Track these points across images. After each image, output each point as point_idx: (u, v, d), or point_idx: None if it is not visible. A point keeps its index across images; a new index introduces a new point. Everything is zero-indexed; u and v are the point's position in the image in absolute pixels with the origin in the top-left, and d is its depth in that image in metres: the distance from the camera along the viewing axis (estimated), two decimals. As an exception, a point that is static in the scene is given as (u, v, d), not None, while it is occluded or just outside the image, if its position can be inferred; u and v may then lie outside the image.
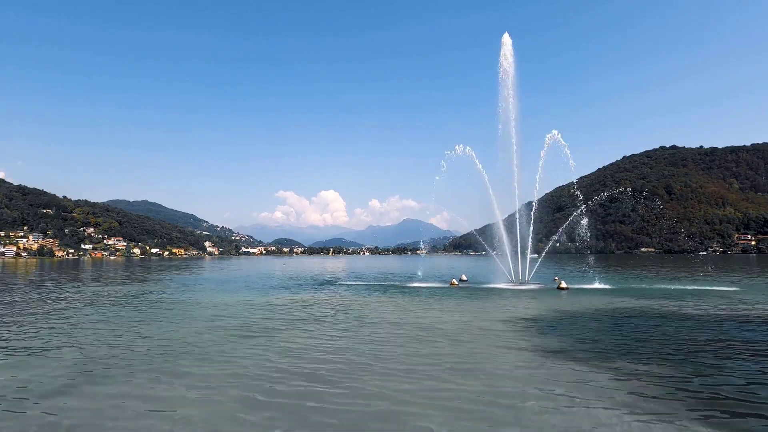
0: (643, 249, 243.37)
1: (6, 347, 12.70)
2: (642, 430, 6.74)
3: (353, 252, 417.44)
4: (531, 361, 10.89)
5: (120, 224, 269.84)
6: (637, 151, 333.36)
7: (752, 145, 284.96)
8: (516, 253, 34.75)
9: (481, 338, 13.84)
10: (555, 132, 34.20)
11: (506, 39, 35.96)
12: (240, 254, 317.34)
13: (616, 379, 9.25)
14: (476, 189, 36.12)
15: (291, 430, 6.93)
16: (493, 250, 36.75)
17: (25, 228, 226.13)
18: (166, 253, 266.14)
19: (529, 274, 34.24)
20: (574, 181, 36.51)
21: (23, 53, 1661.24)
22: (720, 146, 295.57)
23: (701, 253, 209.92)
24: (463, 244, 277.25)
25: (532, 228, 34.44)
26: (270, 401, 8.12)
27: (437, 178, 35.02)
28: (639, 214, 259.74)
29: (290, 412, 7.57)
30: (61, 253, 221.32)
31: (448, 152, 35.13)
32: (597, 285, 31.84)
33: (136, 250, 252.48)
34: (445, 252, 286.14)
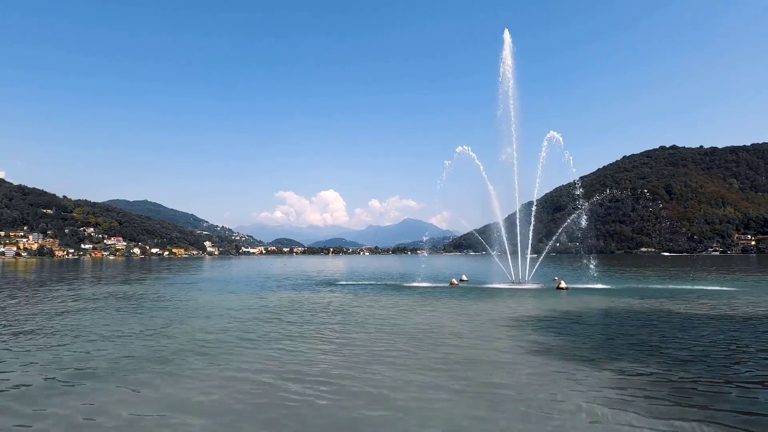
0: (643, 249, 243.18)
1: None
2: (642, 429, 6.75)
3: (353, 252, 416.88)
4: (531, 361, 10.89)
5: (120, 224, 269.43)
6: (637, 151, 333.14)
7: (752, 145, 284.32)
8: (516, 253, 34.76)
9: (481, 338, 13.84)
10: (554, 133, 34.24)
11: (506, 36, 36.13)
12: (240, 254, 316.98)
13: (615, 378, 9.25)
14: (477, 189, 36.20)
15: None
16: (493, 250, 36.76)
17: (25, 228, 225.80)
18: (166, 252, 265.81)
19: (528, 274, 34.23)
20: (577, 181, 36.46)
21: (24, 53, 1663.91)
22: (720, 146, 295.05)
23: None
24: (463, 244, 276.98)
25: (532, 228, 34.44)
26: (268, 403, 8.13)
27: (443, 176, 35.12)
28: (639, 214, 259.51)
29: (289, 415, 7.58)
30: (61, 252, 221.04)
31: (457, 151, 35.20)
32: (597, 285, 31.84)
33: (136, 250, 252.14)
34: (445, 252, 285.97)
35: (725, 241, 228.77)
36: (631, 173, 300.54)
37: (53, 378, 9.63)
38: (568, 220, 38.21)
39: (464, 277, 38.90)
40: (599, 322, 16.43)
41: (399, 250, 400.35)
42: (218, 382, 9.29)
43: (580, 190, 36.45)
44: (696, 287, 30.71)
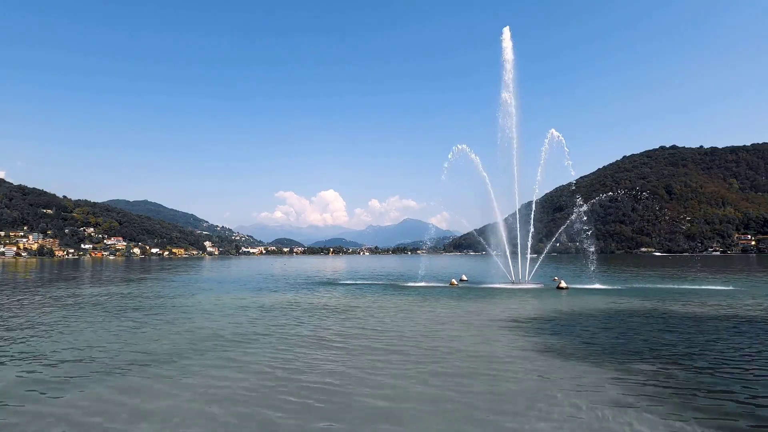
0: (643, 249, 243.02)
1: None
2: (641, 429, 6.73)
3: (353, 252, 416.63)
4: (531, 361, 10.87)
5: (120, 224, 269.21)
6: (637, 151, 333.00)
7: (752, 145, 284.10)
8: (516, 253, 34.74)
9: (481, 339, 13.82)
10: (554, 132, 34.22)
11: (506, 32, 36.10)
12: (240, 254, 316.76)
13: (615, 378, 9.23)
14: (477, 189, 36.18)
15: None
16: (493, 250, 36.75)
17: (25, 228, 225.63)
18: (166, 252, 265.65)
19: (528, 274, 34.21)
20: (574, 185, 36.52)
21: (24, 53, 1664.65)
22: (720, 146, 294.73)
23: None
24: (463, 244, 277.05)
25: (531, 228, 34.42)
26: (265, 404, 8.11)
27: (444, 168, 35.09)
28: (639, 214, 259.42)
29: (286, 416, 7.56)
30: (61, 252, 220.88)
31: (455, 148, 35.18)
32: (597, 285, 31.82)
33: (136, 250, 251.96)
34: (445, 252, 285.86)
35: (725, 241, 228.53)
36: (631, 173, 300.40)
37: (51, 378, 9.60)
38: (568, 221, 38.20)
39: (464, 277, 38.88)
40: (599, 322, 16.40)
41: (399, 250, 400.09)
42: (215, 383, 9.26)
43: (578, 197, 36.51)
44: (696, 287, 30.69)
